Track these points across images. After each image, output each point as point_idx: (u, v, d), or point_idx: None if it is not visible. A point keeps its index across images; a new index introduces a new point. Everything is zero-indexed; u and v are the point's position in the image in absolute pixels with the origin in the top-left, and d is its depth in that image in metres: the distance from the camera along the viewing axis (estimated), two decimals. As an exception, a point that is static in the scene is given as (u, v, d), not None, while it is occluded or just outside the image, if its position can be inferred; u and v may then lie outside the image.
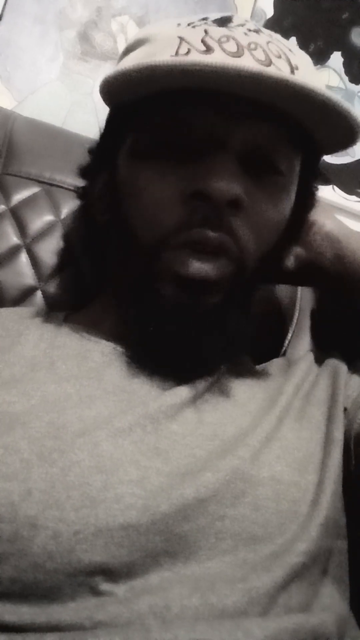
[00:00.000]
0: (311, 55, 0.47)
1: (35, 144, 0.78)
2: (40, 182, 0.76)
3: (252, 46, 0.49)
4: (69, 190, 0.75)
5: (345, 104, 0.46)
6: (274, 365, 0.62)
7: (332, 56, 1.36)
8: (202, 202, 0.48)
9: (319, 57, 1.34)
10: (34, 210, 0.74)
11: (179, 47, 0.49)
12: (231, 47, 0.48)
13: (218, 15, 0.52)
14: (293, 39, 1.34)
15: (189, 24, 0.51)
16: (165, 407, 0.47)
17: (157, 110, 0.50)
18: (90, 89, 1.29)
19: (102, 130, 0.60)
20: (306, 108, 0.47)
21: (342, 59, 1.36)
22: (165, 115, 0.50)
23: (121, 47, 1.33)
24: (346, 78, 1.38)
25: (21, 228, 0.73)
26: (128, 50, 0.56)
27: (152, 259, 0.50)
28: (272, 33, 0.53)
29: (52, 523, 0.37)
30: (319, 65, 1.35)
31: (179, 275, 0.49)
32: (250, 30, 0.51)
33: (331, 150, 0.56)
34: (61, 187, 0.76)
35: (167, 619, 0.35)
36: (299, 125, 0.51)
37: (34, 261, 0.72)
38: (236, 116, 0.49)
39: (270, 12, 1.33)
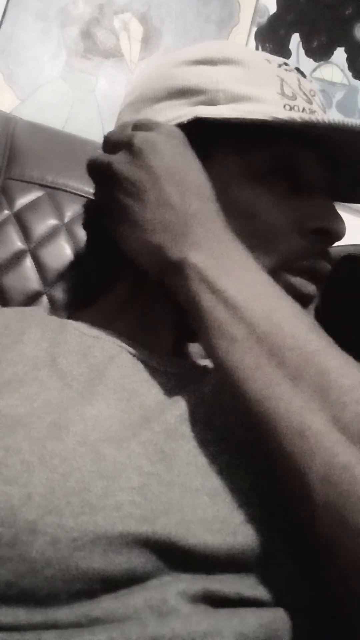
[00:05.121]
0: (314, 51, 0.50)
1: (37, 147, 0.78)
2: (43, 185, 0.75)
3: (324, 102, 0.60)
4: (73, 193, 0.75)
5: None
6: None
7: (335, 52, 1.36)
8: (320, 237, 0.54)
9: (323, 53, 1.33)
10: (37, 214, 0.74)
11: (282, 87, 0.55)
12: (318, 101, 0.58)
13: (293, 66, 0.60)
14: (296, 35, 1.33)
15: (279, 65, 0.57)
16: (174, 410, 0.46)
17: (267, 139, 0.54)
18: (93, 86, 1.29)
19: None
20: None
21: (345, 55, 1.36)
22: (279, 146, 0.55)
23: (123, 44, 1.32)
24: (349, 74, 1.37)
25: (25, 233, 0.73)
26: (211, 61, 0.57)
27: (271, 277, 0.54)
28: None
29: (51, 529, 0.36)
30: (322, 62, 1.34)
31: (296, 294, 0.52)
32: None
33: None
34: (64, 190, 0.75)
35: (163, 612, 0.36)
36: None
37: (39, 266, 0.72)
38: (329, 167, 0.56)
39: (273, 8, 1.32)
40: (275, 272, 0.53)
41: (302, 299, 0.54)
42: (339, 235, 0.55)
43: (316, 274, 0.55)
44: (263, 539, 0.40)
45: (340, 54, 1.36)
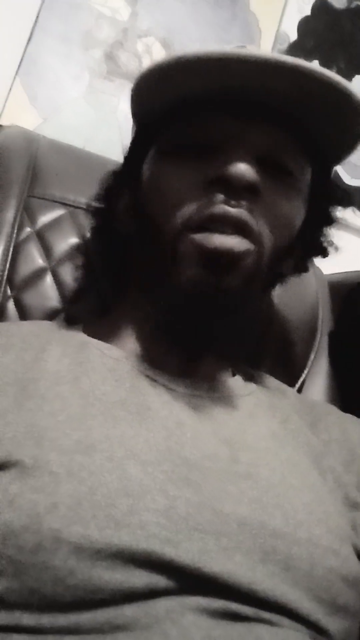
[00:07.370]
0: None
1: (60, 166, 0.80)
2: (65, 204, 0.77)
3: None
4: (94, 213, 0.76)
5: (348, 84, 0.50)
6: (302, 411, 0.61)
7: (353, 80, 1.37)
8: (219, 187, 0.51)
9: (341, 80, 1.35)
10: (59, 232, 0.75)
11: None
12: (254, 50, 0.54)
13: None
14: (315, 62, 1.35)
15: None
16: (197, 442, 0.47)
17: (179, 115, 0.54)
18: (115, 108, 1.31)
19: (126, 151, 0.64)
20: (314, 95, 0.51)
21: (363, 82, 1.37)
22: (186, 119, 0.54)
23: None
24: (368, 101, 1.38)
25: (46, 250, 0.74)
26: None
27: (176, 242, 0.52)
28: None
29: (75, 539, 0.37)
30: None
31: (203, 250, 0.51)
32: None
33: (340, 156, 0.58)
34: (86, 209, 0.76)
35: (184, 624, 0.36)
36: (307, 133, 0.55)
37: (59, 284, 0.73)
38: (251, 120, 0.53)
39: (294, 35, 1.34)
40: (178, 237, 0.52)
41: (213, 255, 0.50)
42: (235, 177, 0.50)
43: (218, 221, 0.51)
44: (282, 584, 0.40)
45: (358, 82, 1.37)
